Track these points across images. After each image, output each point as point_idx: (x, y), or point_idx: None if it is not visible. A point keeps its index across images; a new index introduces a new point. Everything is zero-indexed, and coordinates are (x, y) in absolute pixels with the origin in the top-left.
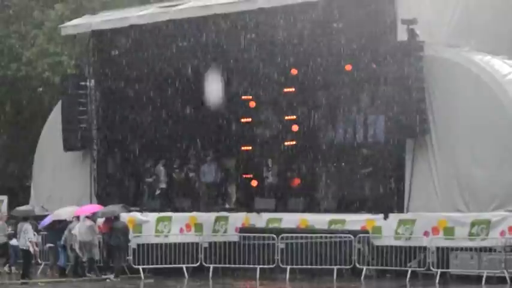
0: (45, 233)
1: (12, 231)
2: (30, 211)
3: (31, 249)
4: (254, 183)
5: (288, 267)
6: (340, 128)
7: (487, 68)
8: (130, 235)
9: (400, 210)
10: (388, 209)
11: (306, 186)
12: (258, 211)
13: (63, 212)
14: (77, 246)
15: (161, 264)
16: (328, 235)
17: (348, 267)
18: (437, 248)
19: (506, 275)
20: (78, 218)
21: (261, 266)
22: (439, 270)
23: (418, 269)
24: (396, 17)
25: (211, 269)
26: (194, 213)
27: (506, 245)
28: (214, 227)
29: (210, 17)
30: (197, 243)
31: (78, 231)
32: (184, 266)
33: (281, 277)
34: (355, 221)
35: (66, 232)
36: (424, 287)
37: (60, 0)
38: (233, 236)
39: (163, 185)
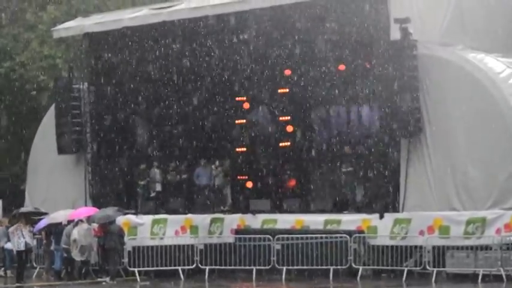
0: (40, 236)
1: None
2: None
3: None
4: (249, 184)
5: (284, 268)
6: (334, 128)
7: (481, 66)
8: (126, 238)
9: (396, 209)
10: (384, 209)
11: (301, 187)
12: (254, 212)
13: (59, 215)
14: (75, 251)
15: (157, 266)
16: (324, 235)
17: (344, 267)
18: (433, 247)
19: (503, 273)
20: (71, 221)
21: (257, 267)
22: (435, 269)
23: (414, 268)
24: (389, 16)
25: (207, 271)
26: (189, 215)
27: (502, 242)
28: (209, 229)
29: (202, 19)
30: (193, 245)
31: (78, 235)
32: (180, 268)
33: (277, 278)
34: (350, 221)
35: (64, 235)
36: (421, 286)
37: (52, 2)
38: (229, 238)
39: (158, 188)
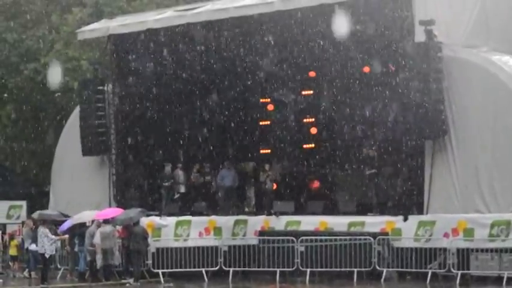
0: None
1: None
2: (46, 215)
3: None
4: (273, 186)
5: (308, 270)
6: (358, 130)
7: (505, 68)
8: (150, 239)
9: (420, 211)
10: (408, 211)
11: (325, 189)
12: (277, 214)
13: (84, 216)
14: (97, 254)
15: (180, 268)
16: (348, 237)
17: (367, 269)
18: (458, 250)
19: None
20: (93, 221)
21: (281, 269)
22: (460, 272)
23: (438, 270)
24: (414, 18)
25: (230, 273)
26: (213, 217)
27: None
28: (233, 231)
29: (226, 20)
30: (216, 247)
31: (100, 237)
32: (203, 269)
33: (301, 280)
34: (374, 223)
35: (87, 236)
36: None
37: (77, 4)
38: (252, 239)
39: (182, 189)
